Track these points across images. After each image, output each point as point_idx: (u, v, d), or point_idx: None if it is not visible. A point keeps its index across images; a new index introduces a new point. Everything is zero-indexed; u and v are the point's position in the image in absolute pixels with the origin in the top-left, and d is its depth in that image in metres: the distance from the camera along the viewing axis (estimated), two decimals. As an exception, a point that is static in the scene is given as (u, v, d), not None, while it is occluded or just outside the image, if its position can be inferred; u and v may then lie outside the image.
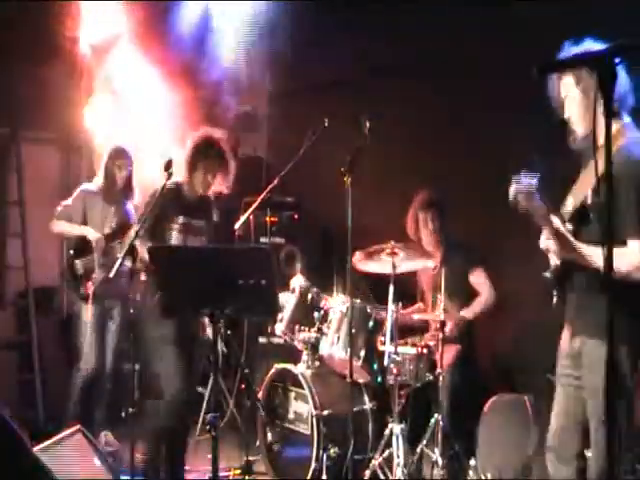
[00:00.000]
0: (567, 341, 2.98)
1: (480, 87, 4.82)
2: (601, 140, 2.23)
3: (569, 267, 2.88)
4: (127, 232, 4.63)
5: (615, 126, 2.73)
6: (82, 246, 5.01)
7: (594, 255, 2.72)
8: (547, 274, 2.96)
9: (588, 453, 2.96)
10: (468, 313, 4.64)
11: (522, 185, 2.76)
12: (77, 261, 5.01)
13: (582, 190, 2.87)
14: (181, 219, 4.18)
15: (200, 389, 6.17)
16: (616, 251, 1.96)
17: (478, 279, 4.76)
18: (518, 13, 4.55)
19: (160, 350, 4.05)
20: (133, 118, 6.14)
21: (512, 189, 2.78)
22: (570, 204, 2.91)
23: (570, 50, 2.80)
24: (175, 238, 4.17)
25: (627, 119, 2.83)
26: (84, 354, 4.96)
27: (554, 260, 2.93)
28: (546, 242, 2.89)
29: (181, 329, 4.05)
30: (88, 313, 4.94)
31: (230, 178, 4.26)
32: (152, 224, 4.11)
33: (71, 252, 5.07)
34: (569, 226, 2.85)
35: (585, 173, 2.90)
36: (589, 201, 2.81)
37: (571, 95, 2.86)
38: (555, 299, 2.99)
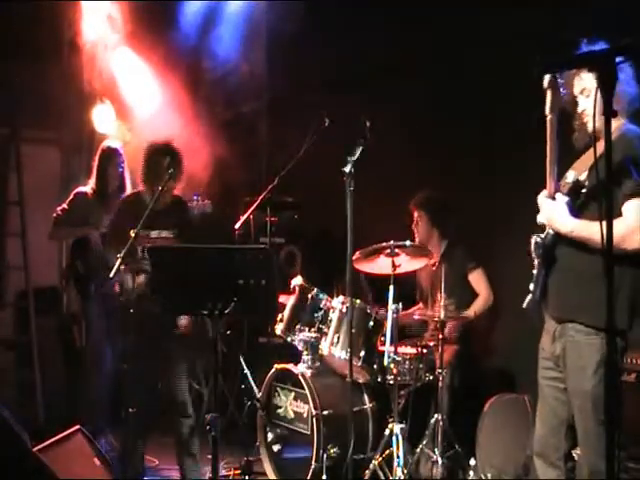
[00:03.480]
0: (548, 343, 3.00)
1: (481, 87, 4.82)
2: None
3: (561, 239, 2.91)
4: None
5: (619, 122, 2.84)
6: (81, 246, 5.02)
7: (593, 228, 2.73)
8: (537, 238, 2.97)
9: (575, 452, 2.97)
10: (469, 313, 4.66)
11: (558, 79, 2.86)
12: (78, 262, 5.02)
13: (584, 165, 2.92)
14: (145, 231, 4.08)
15: (199, 387, 6.20)
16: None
17: (477, 280, 4.78)
18: (518, 14, 4.55)
19: None
20: (133, 118, 6.15)
21: (548, 76, 2.86)
22: (570, 176, 2.94)
23: (587, 48, 2.83)
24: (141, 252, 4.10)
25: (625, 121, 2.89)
26: (100, 355, 4.94)
27: (548, 227, 2.96)
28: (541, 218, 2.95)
29: None
30: (94, 313, 4.94)
31: (182, 180, 4.24)
32: (113, 234, 4.25)
33: (70, 253, 5.09)
34: (566, 199, 2.88)
35: (589, 152, 2.94)
36: (585, 177, 2.86)
37: (588, 90, 2.90)
38: (530, 296, 2.99)
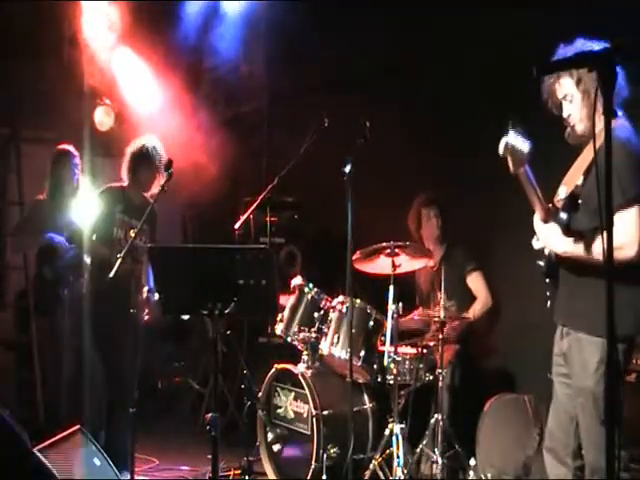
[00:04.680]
0: (558, 339, 3.02)
1: (480, 87, 4.82)
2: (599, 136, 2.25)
3: (561, 258, 2.93)
4: (83, 232, 4.83)
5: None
6: (48, 252, 5.05)
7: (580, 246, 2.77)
8: (540, 262, 3.01)
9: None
10: (468, 316, 4.67)
11: (513, 141, 2.74)
12: (45, 269, 5.07)
13: (575, 178, 2.91)
14: (123, 216, 4.54)
15: (199, 387, 6.20)
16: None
17: (476, 282, 4.78)
18: (519, 14, 4.55)
19: None
20: (134, 118, 6.16)
21: (502, 142, 2.78)
22: (563, 192, 2.94)
23: (564, 51, 2.83)
24: (116, 233, 4.51)
25: (619, 112, 2.87)
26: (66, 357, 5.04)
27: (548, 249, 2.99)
28: (538, 243, 2.99)
29: None
30: (65, 315, 5.01)
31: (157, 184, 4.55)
32: (101, 223, 4.51)
33: (37, 260, 5.16)
34: (563, 215, 2.88)
35: (578, 163, 2.94)
36: (580, 186, 2.85)
37: (570, 95, 2.90)
38: (549, 302, 3.03)
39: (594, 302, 2.76)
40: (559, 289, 2.99)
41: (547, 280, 3.03)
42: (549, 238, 2.92)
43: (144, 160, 4.60)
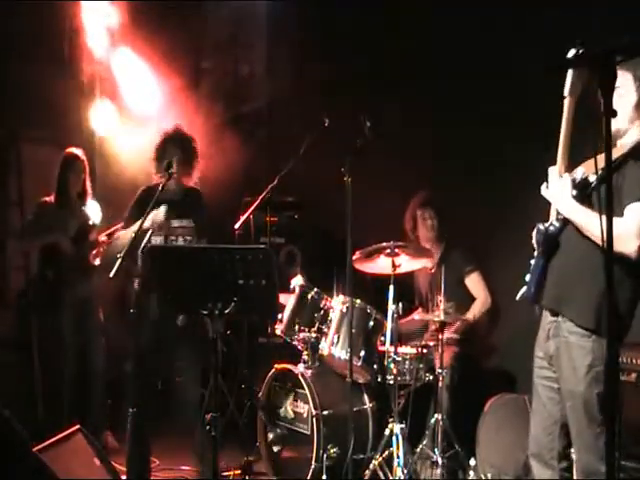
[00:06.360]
0: (542, 341, 3.00)
1: (481, 87, 4.82)
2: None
3: (564, 231, 2.89)
4: (90, 234, 4.94)
5: None
6: (50, 254, 5.06)
7: (591, 218, 2.72)
8: (541, 226, 2.94)
9: (571, 451, 2.96)
10: (469, 317, 4.67)
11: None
12: (47, 270, 5.08)
13: (593, 166, 2.88)
14: (134, 232, 3.99)
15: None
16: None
17: (474, 283, 4.78)
18: (519, 14, 4.56)
19: None
20: (134, 118, 6.16)
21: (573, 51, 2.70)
22: (579, 173, 2.90)
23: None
24: (152, 240, 4.07)
25: None
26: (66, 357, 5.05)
27: (553, 217, 2.94)
28: (546, 192, 2.92)
29: None
30: (66, 316, 5.02)
31: (196, 168, 4.30)
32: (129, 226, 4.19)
33: (39, 262, 5.18)
34: (574, 192, 2.85)
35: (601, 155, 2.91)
36: (594, 180, 2.81)
37: (623, 90, 2.81)
38: (521, 292, 3.01)
39: (583, 289, 2.75)
40: (549, 269, 2.93)
41: (532, 261, 2.98)
42: (558, 193, 2.87)
43: (168, 149, 4.25)
